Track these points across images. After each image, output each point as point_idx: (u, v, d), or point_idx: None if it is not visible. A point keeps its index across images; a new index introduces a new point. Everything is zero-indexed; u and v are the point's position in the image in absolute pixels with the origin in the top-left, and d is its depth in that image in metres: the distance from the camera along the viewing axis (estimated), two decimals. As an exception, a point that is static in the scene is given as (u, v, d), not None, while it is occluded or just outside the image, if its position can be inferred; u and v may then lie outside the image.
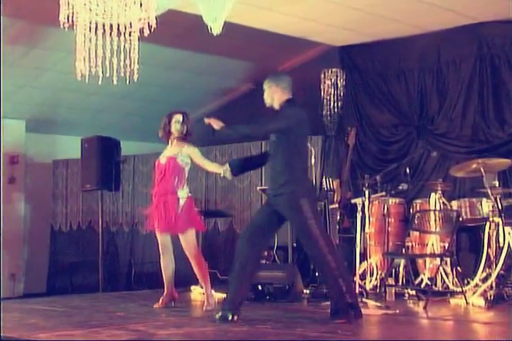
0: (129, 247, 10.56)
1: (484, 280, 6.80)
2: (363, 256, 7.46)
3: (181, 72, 10.31)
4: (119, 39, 5.81)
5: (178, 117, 6.39)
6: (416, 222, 7.19)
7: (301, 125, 5.54)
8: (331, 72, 9.33)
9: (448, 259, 7.12)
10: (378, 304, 6.40)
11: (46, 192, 11.58)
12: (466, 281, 6.97)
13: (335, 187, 8.49)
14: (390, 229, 7.63)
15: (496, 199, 6.89)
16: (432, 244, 7.39)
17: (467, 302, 6.54)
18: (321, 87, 9.30)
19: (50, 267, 11.48)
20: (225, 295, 5.70)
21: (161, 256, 6.43)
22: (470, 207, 7.20)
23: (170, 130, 6.41)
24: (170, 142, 6.49)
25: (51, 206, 11.62)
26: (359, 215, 7.11)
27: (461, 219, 7.02)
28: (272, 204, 5.57)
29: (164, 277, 6.47)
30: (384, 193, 7.63)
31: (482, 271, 6.87)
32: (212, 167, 6.44)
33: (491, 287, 6.64)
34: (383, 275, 7.47)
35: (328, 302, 6.16)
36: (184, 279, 7.15)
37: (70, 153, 10.78)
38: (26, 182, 11.37)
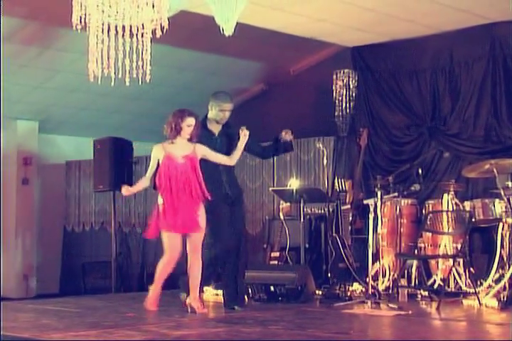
0: (141, 248, 10.57)
1: (497, 281, 6.78)
2: (376, 257, 7.46)
3: (193, 73, 10.32)
4: (132, 40, 5.82)
5: (191, 121, 6.11)
6: (428, 222, 7.17)
7: None
8: (343, 72, 9.30)
9: (461, 260, 7.11)
10: (391, 305, 6.38)
11: (59, 193, 11.62)
12: (479, 282, 6.95)
13: (347, 188, 8.49)
14: (402, 229, 7.60)
15: (508, 199, 6.87)
16: (445, 245, 7.37)
17: (480, 303, 6.53)
18: (333, 87, 9.28)
19: (62, 268, 11.51)
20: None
21: None
22: (483, 208, 7.17)
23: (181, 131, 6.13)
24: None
25: (64, 207, 11.65)
26: (371, 216, 7.10)
27: (473, 219, 7.00)
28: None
29: None
30: (396, 194, 7.62)
31: (495, 272, 6.86)
32: (224, 158, 6.26)
33: (504, 288, 6.62)
34: (396, 276, 7.46)
35: (341, 303, 6.16)
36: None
37: (83, 154, 10.82)
38: (39, 183, 11.42)
